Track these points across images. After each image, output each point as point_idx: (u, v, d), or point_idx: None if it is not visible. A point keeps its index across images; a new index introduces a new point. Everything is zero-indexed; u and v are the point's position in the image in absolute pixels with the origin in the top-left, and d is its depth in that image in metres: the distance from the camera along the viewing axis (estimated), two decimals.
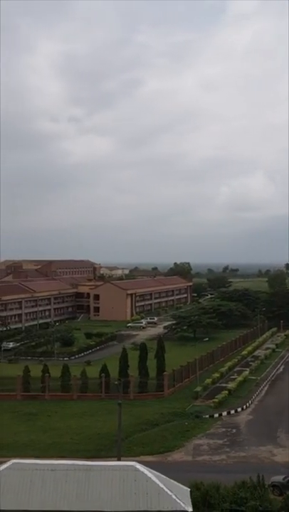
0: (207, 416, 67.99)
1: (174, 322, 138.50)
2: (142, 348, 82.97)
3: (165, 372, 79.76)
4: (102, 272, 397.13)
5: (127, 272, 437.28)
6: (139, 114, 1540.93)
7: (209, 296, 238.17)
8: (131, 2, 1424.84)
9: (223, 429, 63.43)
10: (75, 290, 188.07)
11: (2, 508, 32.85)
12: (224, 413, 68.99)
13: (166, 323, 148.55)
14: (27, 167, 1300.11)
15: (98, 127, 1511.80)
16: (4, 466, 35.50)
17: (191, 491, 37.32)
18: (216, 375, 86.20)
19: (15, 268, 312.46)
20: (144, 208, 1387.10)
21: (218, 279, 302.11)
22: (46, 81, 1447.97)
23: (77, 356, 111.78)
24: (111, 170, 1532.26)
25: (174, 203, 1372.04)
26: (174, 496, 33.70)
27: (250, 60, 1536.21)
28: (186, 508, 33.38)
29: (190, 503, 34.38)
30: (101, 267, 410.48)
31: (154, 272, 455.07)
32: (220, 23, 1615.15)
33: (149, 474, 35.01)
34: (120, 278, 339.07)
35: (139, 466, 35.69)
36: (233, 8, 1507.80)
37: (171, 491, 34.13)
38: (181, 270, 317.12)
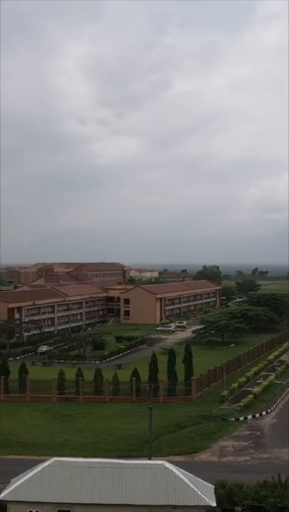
0: (233, 419, 70.93)
1: (202, 326, 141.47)
2: (171, 354, 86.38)
3: (193, 377, 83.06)
4: (131, 274, 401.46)
5: (156, 274, 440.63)
6: (167, 115, 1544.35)
7: (238, 299, 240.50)
8: (159, 3, 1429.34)
9: (248, 432, 66.42)
10: (105, 294, 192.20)
11: (46, 501, 36.86)
12: (249, 416, 71.99)
13: (195, 328, 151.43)
14: (56, 169, 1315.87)
15: (126, 128, 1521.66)
16: (46, 463, 39.57)
17: (215, 489, 40.82)
18: (242, 379, 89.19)
19: (46, 271, 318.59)
20: (172, 209, 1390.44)
21: (247, 283, 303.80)
22: (75, 83, 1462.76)
23: (108, 359, 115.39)
24: (139, 171, 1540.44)
25: (202, 204, 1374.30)
26: (199, 492, 37.32)
27: (279, 59, 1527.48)
28: (211, 504, 36.99)
29: (214, 498, 37.90)
30: (131, 270, 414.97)
31: (183, 274, 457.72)
32: (249, 23, 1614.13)
33: (177, 472, 38.69)
34: (149, 281, 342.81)
35: (168, 465, 39.42)
36: (262, 8, 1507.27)
37: (197, 488, 37.75)
38: (210, 273, 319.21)
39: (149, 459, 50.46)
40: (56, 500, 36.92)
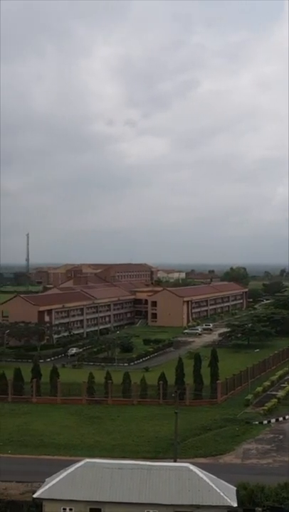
0: (257, 422, 72.94)
1: (228, 330, 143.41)
2: (196, 358, 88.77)
3: (219, 381, 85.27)
4: (159, 275, 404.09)
5: (183, 275, 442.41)
6: (194, 115, 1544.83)
7: (265, 301, 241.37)
8: (186, 2, 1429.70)
9: (271, 435, 68.41)
10: (133, 296, 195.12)
11: (79, 499, 39.77)
12: (273, 420, 73.93)
13: (221, 330, 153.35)
14: (84, 169, 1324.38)
15: (154, 128, 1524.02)
16: (79, 464, 42.51)
17: (238, 490, 43.29)
18: (267, 383, 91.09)
19: (75, 272, 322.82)
20: (199, 209, 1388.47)
21: (274, 284, 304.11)
22: (103, 84, 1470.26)
23: (136, 362, 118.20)
24: (166, 171, 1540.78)
25: (229, 203, 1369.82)
26: (221, 493, 39.86)
27: None
28: (232, 504, 39.53)
29: (236, 499, 40.39)
30: (158, 270, 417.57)
31: (211, 275, 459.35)
32: (277, 21, 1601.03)
33: (201, 474, 41.28)
34: (177, 282, 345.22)
35: (192, 467, 42.04)
36: None
37: (220, 489, 40.30)
38: (237, 275, 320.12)
39: (175, 461, 53.06)
40: (88, 499, 39.79)
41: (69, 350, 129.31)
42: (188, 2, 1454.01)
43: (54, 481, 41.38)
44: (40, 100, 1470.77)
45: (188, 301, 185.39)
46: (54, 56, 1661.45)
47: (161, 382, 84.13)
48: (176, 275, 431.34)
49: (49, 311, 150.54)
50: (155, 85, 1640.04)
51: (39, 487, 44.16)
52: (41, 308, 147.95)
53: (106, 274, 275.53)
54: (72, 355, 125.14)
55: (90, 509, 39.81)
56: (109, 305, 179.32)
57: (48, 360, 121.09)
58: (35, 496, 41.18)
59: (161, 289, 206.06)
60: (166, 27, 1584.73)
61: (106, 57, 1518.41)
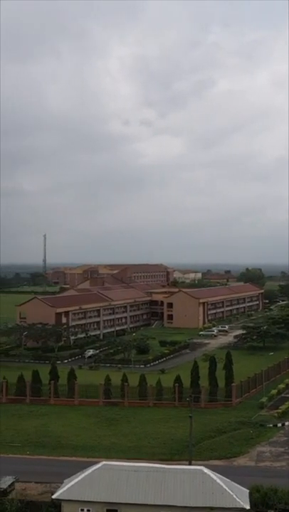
0: (271, 425, 73.79)
1: (243, 332, 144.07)
2: (212, 361, 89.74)
3: (233, 384, 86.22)
4: (175, 275, 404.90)
5: (199, 275, 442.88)
6: (210, 115, 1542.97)
7: (281, 302, 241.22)
8: (202, 2, 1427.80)
9: (285, 438, 69.21)
10: (149, 298, 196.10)
11: (96, 500, 41.17)
12: (287, 423, 74.64)
13: (237, 332, 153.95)
14: (100, 169, 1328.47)
15: (170, 128, 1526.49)
16: (96, 466, 43.92)
17: (251, 493, 44.42)
18: (282, 385, 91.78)
19: (91, 273, 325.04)
20: (215, 208, 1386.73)
21: None
22: (118, 84, 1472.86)
23: (152, 364, 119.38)
24: (182, 171, 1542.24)
25: (245, 203, 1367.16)
26: (234, 496, 41.07)
27: None
28: (245, 506, 40.73)
29: (248, 502, 41.58)
30: (174, 271, 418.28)
31: (227, 275, 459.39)
32: None
33: (214, 477, 42.51)
34: (193, 283, 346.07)
35: (206, 470, 43.27)
36: None
37: (233, 492, 41.51)
38: (253, 276, 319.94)
39: (190, 463, 54.35)
40: (105, 500, 41.20)
41: (86, 352, 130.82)
42: (205, 2, 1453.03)
43: (72, 483, 42.81)
44: (57, 100, 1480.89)
45: (204, 303, 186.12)
46: (70, 56, 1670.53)
47: (176, 384, 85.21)
48: (192, 275, 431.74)
49: (66, 313, 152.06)
50: (171, 85, 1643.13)
51: (57, 488, 45.74)
52: (58, 310, 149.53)
53: (122, 275, 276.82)
54: (89, 357, 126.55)
55: (107, 510, 41.22)
56: (125, 306, 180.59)
57: (66, 361, 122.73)
58: (54, 496, 42.67)
59: (177, 290, 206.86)
60: (182, 27, 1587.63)
61: (122, 58, 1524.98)
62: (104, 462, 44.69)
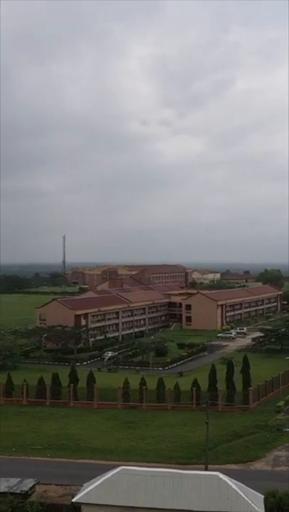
0: (287, 429, 74.19)
1: (261, 334, 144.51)
2: (229, 365, 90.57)
3: (250, 388, 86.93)
4: (193, 276, 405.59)
5: (218, 276, 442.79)
6: (230, 114, 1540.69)
7: None
8: (222, 2, 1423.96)
9: None
10: (167, 300, 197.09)
11: (115, 504, 42.36)
12: None
13: (255, 335, 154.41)
14: (120, 169, 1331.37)
15: (189, 128, 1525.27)
16: (115, 471, 45.09)
17: (266, 498, 45.35)
18: None
19: (110, 274, 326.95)
20: (235, 207, 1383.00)
21: None
22: (138, 84, 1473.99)
23: (170, 366, 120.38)
24: (202, 170, 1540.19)
25: (266, 202, 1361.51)
26: (249, 501, 42.00)
27: None
28: (259, 511, 41.65)
29: (263, 507, 42.47)
30: (193, 271, 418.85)
31: (246, 275, 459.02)
32: None
33: (230, 482, 43.46)
34: (211, 283, 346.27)
35: (222, 476, 44.23)
36: None
37: (248, 497, 42.44)
38: (271, 277, 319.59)
39: (206, 468, 55.39)
40: (123, 504, 42.34)
41: (105, 354, 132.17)
42: (224, 2, 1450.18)
43: (91, 487, 44.02)
44: (76, 100, 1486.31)
45: (222, 305, 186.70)
46: (90, 57, 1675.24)
47: (194, 388, 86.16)
48: (210, 276, 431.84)
49: (85, 315, 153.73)
50: (190, 85, 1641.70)
51: (77, 490, 47.09)
52: (78, 312, 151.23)
53: (141, 276, 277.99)
54: (108, 359, 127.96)
55: None
56: (144, 308, 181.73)
57: (85, 363, 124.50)
58: (74, 500, 43.96)
59: (196, 292, 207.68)
60: (201, 26, 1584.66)
61: (141, 58, 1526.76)
62: (122, 467, 45.85)
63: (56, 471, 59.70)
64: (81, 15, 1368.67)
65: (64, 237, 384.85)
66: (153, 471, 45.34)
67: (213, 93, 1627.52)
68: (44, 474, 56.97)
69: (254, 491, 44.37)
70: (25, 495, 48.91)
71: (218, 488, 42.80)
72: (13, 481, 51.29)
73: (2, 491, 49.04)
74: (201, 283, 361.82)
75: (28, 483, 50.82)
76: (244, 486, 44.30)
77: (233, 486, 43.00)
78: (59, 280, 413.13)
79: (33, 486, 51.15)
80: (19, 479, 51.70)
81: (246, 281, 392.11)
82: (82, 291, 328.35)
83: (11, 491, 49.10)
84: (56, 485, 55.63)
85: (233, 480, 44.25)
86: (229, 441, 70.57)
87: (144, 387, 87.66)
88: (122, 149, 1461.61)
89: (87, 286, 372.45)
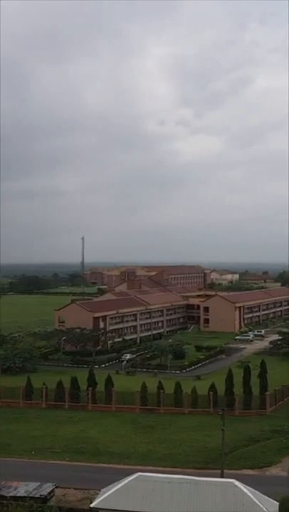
0: None
1: (279, 338, 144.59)
2: (246, 369, 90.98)
3: (267, 392, 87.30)
4: (212, 277, 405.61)
5: (236, 276, 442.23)
6: (248, 113, 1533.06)
7: None
8: (239, 1, 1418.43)
9: None
10: (185, 302, 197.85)
11: (132, 510, 43.28)
12: None
13: (273, 337, 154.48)
14: (138, 168, 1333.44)
15: (207, 127, 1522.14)
16: (132, 477, 46.02)
17: (281, 504, 45.96)
18: None
19: (129, 275, 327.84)
20: (254, 207, 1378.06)
21: None
22: (156, 84, 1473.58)
23: (188, 369, 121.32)
24: (220, 169, 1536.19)
25: (284, 201, 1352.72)
26: (264, 509, 42.68)
27: None
28: None
29: None
30: (211, 272, 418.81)
31: (264, 276, 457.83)
32: None
33: (245, 490, 44.18)
34: (230, 285, 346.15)
35: (237, 483, 44.95)
36: None
37: (263, 504, 43.11)
38: None
39: (222, 473, 56.14)
40: (140, 510, 43.20)
41: (123, 356, 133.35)
42: (242, 0, 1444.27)
43: (109, 492, 45.00)
44: (94, 100, 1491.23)
45: (240, 307, 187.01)
46: (108, 57, 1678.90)
47: (211, 392, 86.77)
48: (229, 277, 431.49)
49: (104, 317, 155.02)
50: (208, 84, 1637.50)
51: (95, 495, 48.12)
52: (96, 315, 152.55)
53: (159, 277, 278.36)
54: (126, 361, 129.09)
55: None
56: (162, 310, 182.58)
57: (103, 365, 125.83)
58: (92, 505, 44.95)
59: (214, 293, 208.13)
60: (219, 25, 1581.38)
61: (159, 57, 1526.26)
62: (139, 473, 46.74)
63: (75, 475, 60.86)
64: (98, 15, 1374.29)
65: (83, 238, 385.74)
66: (169, 478, 46.18)
67: (231, 92, 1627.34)
68: (63, 478, 58.05)
69: (269, 498, 45.02)
70: (44, 499, 49.89)
71: (233, 495, 43.51)
72: (33, 485, 52.30)
73: (21, 495, 50.06)
74: (219, 284, 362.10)
75: (47, 488, 51.79)
76: (259, 493, 44.97)
77: (248, 493, 43.69)
78: (78, 280, 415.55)
79: (52, 491, 52.10)
80: (38, 483, 52.68)
81: (265, 281, 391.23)
82: (101, 291, 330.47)
83: (30, 495, 50.06)
84: (75, 489, 56.72)
85: (248, 487, 44.94)
86: (245, 446, 71.09)
87: (162, 391, 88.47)
88: (140, 149, 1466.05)
89: (105, 286, 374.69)
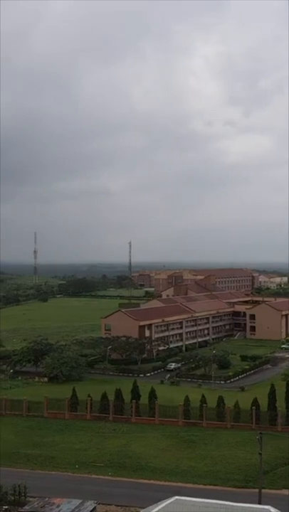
0: None
1: None
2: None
3: None
4: (260, 280, 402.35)
5: (285, 279, 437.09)
6: None
7: None
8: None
9: None
10: (232, 309, 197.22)
11: None
12: None
13: None
14: (186, 168, 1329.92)
15: (255, 126, 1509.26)
16: (169, 500, 47.06)
17: None
18: None
19: (176, 279, 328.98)
20: None
21: None
22: (203, 83, 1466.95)
23: (232, 380, 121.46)
24: (268, 168, 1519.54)
25: None
26: None
27: None
28: None
29: None
30: (259, 275, 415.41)
31: None
32: None
33: None
34: (278, 289, 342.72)
35: (273, 510, 45.54)
36: None
37: None
38: None
39: (259, 494, 56.65)
40: None
41: (168, 365, 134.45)
42: None
43: None
44: (141, 101, 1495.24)
45: (286, 315, 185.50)
46: (154, 57, 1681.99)
47: (253, 407, 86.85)
48: (277, 280, 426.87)
49: (149, 326, 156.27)
50: (256, 83, 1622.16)
51: None
52: (142, 323, 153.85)
53: (206, 281, 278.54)
54: (171, 370, 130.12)
55: None
56: (207, 318, 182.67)
57: (148, 374, 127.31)
58: None
59: (261, 299, 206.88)
60: (265, 23, 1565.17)
61: (206, 57, 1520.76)
62: (176, 497, 47.69)
63: (117, 491, 62.28)
64: (145, 16, 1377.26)
65: (130, 243, 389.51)
66: (205, 502, 47.02)
67: (278, 90, 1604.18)
68: (105, 494, 59.76)
69: None
70: None
71: None
72: (75, 502, 53.92)
73: None
74: (267, 288, 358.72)
75: (89, 506, 53.30)
76: None
77: None
78: (126, 283, 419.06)
79: (94, 509, 53.66)
80: (80, 501, 54.27)
81: None
82: (148, 294, 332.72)
83: None
84: (116, 505, 58.30)
85: None
86: (287, 464, 70.93)
87: (205, 405, 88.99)
88: (187, 148, 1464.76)
89: (153, 289, 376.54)
